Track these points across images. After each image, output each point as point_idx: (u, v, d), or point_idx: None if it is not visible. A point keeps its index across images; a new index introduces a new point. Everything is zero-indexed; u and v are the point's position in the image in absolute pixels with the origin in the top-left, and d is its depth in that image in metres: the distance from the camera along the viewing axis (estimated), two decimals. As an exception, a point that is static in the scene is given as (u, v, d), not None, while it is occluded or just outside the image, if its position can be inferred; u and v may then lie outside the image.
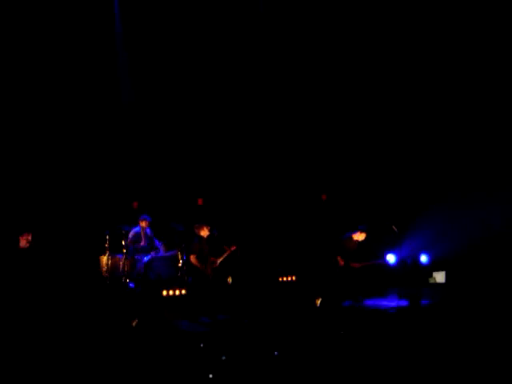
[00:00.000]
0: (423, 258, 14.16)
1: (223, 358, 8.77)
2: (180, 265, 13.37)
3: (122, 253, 13.42)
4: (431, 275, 14.30)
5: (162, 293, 12.31)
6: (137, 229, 13.81)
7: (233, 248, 12.74)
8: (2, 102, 13.82)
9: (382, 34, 15.83)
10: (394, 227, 13.77)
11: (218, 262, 12.65)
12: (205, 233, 12.54)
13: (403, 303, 12.87)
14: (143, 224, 13.82)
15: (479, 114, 15.17)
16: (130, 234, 13.72)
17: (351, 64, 16.11)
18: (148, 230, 13.92)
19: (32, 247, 11.78)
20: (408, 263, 14.02)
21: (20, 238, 11.72)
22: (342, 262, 13.35)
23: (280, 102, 16.32)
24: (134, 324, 10.85)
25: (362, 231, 13.49)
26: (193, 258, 12.35)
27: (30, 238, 11.79)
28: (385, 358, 8.72)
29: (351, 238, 13.53)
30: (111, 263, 13.43)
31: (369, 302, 13.21)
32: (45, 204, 13.99)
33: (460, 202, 14.66)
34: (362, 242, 13.57)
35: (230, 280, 12.86)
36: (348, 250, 13.49)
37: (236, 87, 16.14)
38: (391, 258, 13.67)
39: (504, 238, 14.44)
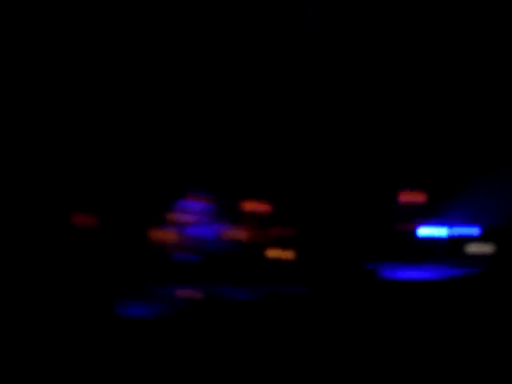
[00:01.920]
0: (473, 230, 14.18)
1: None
2: (232, 238, 13.74)
3: (176, 226, 13.92)
4: (479, 246, 14.36)
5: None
6: (192, 203, 14.19)
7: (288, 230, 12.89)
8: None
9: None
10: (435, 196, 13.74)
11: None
12: (258, 207, 12.76)
13: (450, 273, 12.98)
14: (196, 199, 14.18)
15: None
16: (182, 207, 14.09)
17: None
18: (201, 205, 14.27)
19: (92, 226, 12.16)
20: (455, 233, 14.07)
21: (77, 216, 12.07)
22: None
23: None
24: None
25: (405, 191, 13.56)
26: (240, 232, 12.63)
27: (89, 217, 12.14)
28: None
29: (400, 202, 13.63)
30: (165, 236, 13.89)
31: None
32: (101, 183, 14.46)
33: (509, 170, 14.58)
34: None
35: (287, 254, 13.04)
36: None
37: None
38: (440, 229, 13.72)
39: None
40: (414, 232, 13.60)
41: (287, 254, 12.91)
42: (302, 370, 7.63)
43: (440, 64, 15.81)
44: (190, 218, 14.02)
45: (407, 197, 13.45)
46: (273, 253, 12.72)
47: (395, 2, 15.66)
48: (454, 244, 13.91)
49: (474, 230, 14.10)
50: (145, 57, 14.98)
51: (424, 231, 13.49)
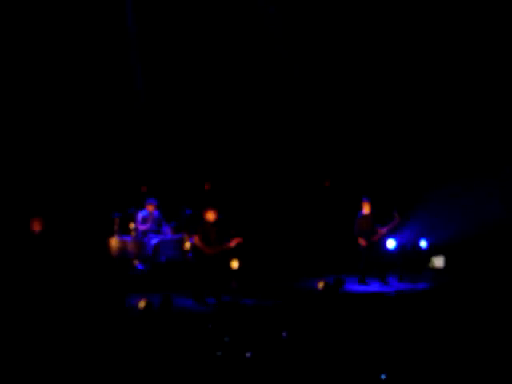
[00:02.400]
0: (423, 243, 14.42)
1: (226, 339, 9.06)
2: (186, 248, 13.76)
3: (131, 235, 13.92)
4: (430, 260, 14.65)
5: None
6: (144, 212, 14.16)
7: (237, 241, 12.90)
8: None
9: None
10: (394, 212, 14.08)
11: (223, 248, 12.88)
12: (211, 216, 12.78)
13: (402, 287, 13.20)
14: (150, 208, 14.16)
15: (480, 100, 15.37)
16: (139, 217, 14.08)
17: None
18: (156, 213, 14.25)
19: (44, 231, 12.06)
20: (408, 248, 14.31)
21: (32, 221, 11.96)
22: (363, 242, 13.70)
23: (285, 89, 16.57)
24: (142, 305, 11.12)
25: (365, 202, 13.74)
26: (196, 240, 12.64)
27: (41, 221, 12.04)
28: (384, 342, 8.98)
29: (363, 215, 13.79)
30: (120, 245, 13.88)
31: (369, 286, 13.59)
32: (54, 188, 14.34)
33: (460, 187, 14.87)
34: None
35: (235, 264, 13.06)
36: (362, 228, 13.79)
37: (243, 77, 16.38)
38: (391, 243, 13.89)
39: (503, 223, 14.68)
40: (381, 244, 13.79)
41: (236, 264, 12.90)
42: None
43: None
44: (146, 227, 13.98)
45: (370, 209, 13.67)
46: (230, 263, 12.72)
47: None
48: (407, 258, 14.14)
49: (424, 244, 14.37)
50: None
51: (390, 244, 13.67)
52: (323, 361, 8.16)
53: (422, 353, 8.40)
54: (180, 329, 10.05)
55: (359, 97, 16.44)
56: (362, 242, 13.59)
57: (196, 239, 12.61)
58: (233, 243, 12.48)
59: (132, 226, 14.05)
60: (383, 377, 7.38)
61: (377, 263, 13.72)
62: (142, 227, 13.97)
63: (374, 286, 13.49)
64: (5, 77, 14.11)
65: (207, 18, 16.05)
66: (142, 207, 14.21)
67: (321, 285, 12.67)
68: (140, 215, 14.10)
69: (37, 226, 12.01)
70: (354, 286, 13.42)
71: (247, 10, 16.19)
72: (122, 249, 13.88)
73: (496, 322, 9.84)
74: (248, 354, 8.23)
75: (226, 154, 16.44)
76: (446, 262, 14.74)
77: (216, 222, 12.74)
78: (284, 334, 9.21)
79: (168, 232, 14.24)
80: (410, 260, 14.21)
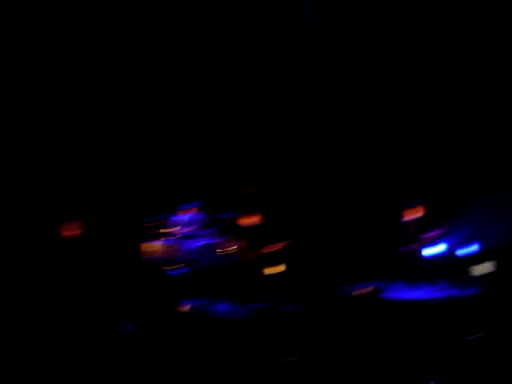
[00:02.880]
0: (473, 247, 13.98)
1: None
2: (229, 252, 13.58)
3: (171, 239, 13.75)
4: (480, 265, 14.16)
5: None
6: (187, 215, 14.00)
7: (281, 244, 12.70)
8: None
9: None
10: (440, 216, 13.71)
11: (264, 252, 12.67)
12: (254, 221, 12.58)
13: (451, 293, 12.77)
14: (193, 211, 14.00)
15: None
16: (181, 221, 13.93)
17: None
18: (198, 217, 14.08)
19: (78, 236, 11.98)
20: (455, 254, 13.88)
21: (64, 226, 11.86)
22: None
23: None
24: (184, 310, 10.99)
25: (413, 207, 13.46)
26: (241, 245, 12.47)
27: (76, 226, 11.97)
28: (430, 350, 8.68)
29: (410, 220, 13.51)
30: (159, 250, 13.71)
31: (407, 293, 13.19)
32: (90, 192, 14.26)
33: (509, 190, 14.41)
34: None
35: (280, 269, 12.82)
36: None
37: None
38: (440, 247, 13.53)
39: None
40: (418, 251, 13.44)
41: (280, 269, 12.66)
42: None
43: (437, 76, 15.70)
44: (182, 231, 13.81)
45: (411, 215, 13.31)
46: (267, 269, 12.47)
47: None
48: (456, 263, 13.73)
49: (474, 249, 13.90)
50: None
51: (428, 251, 13.32)
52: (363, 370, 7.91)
53: (470, 362, 8.10)
54: (220, 334, 9.87)
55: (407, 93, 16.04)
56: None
57: (241, 244, 12.45)
58: (277, 247, 12.34)
59: (171, 229, 13.87)
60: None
61: (425, 268, 13.38)
62: (185, 230, 13.81)
63: (420, 293, 13.10)
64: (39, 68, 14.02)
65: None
66: (182, 210, 14.05)
67: (363, 291, 12.35)
68: (182, 219, 13.95)
69: (70, 231, 11.93)
70: (397, 294, 13.03)
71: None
72: (164, 253, 13.72)
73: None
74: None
75: (267, 157, 16.15)
76: (497, 266, 14.22)
77: (259, 226, 12.59)
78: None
79: (209, 236, 14.05)
80: (459, 265, 13.78)
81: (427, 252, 13.39)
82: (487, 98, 15.41)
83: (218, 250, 13.73)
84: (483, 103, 15.45)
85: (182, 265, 13.65)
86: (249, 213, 13.39)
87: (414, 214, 13.36)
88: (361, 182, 16.16)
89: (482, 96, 15.44)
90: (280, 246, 12.65)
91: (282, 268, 12.74)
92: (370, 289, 12.28)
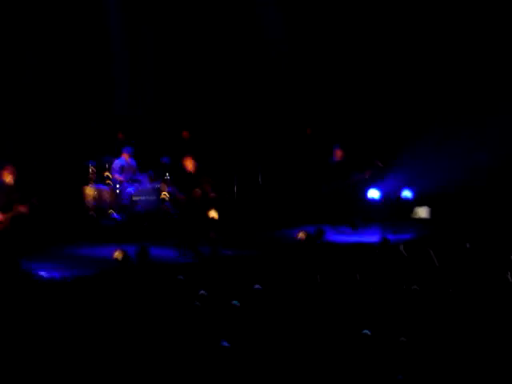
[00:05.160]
0: (407, 193, 14.17)
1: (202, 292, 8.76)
2: (164, 197, 13.46)
3: (106, 184, 13.53)
4: (415, 211, 14.38)
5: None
6: (121, 160, 13.77)
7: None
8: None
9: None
10: (377, 162, 13.85)
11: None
12: (189, 165, 12.47)
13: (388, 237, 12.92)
14: (127, 156, 13.79)
15: (470, 44, 15.07)
16: (115, 165, 13.70)
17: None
18: (132, 162, 13.88)
19: (16, 181, 11.65)
20: (391, 198, 14.06)
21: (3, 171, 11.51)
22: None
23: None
24: (119, 256, 10.79)
25: (337, 149, 13.55)
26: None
27: (13, 172, 11.61)
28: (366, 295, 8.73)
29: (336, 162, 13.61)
30: (96, 194, 13.50)
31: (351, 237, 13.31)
32: (28, 135, 13.91)
33: (447, 135, 14.56)
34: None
35: (214, 214, 12.73)
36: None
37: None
38: (375, 193, 13.66)
39: (490, 173, 14.41)
40: (363, 194, 13.62)
41: (215, 214, 12.58)
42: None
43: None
44: (122, 176, 13.59)
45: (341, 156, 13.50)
46: (208, 212, 12.37)
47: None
48: (392, 208, 13.92)
49: (409, 195, 14.12)
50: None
51: (372, 194, 13.48)
52: (302, 314, 7.91)
53: (404, 305, 8.18)
54: (157, 280, 9.75)
55: (344, 43, 16.01)
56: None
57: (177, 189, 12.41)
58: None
59: (107, 174, 13.63)
60: (366, 332, 7.06)
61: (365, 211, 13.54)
62: (119, 176, 13.60)
63: (356, 237, 13.22)
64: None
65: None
66: (118, 155, 13.82)
67: (302, 235, 12.33)
68: (117, 164, 13.72)
69: (7, 177, 11.61)
70: (335, 237, 13.14)
71: None
72: (98, 198, 13.51)
73: (480, 273, 9.60)
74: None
75: (205, 100, 15.98)
76: (432, 212, 14.46)
77: (197, 174, 12.48)
78: (257, 286, 8.91)
79: (145, 181, 13.87)
80: (393, 210, 13.96)
81: (370, 195, 13.55)
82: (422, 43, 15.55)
83: (155, 195, 13.57)
84: (415, 49, 15.58)
85: (121, 209, 13.48)
86: (185, 157, 13.20)
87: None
88: (302, 125, 16.24)
89: (416, 43, 15.56)
90: (217, 189, 12.59)
91: (217, 213, 12.66)
92: (312, 232, 12.32)
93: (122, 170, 13.69)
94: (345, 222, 13.41)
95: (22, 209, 11.40)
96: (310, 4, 15.92)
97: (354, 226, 13.21)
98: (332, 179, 13.54)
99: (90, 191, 13.57)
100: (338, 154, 13.79)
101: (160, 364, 6.49)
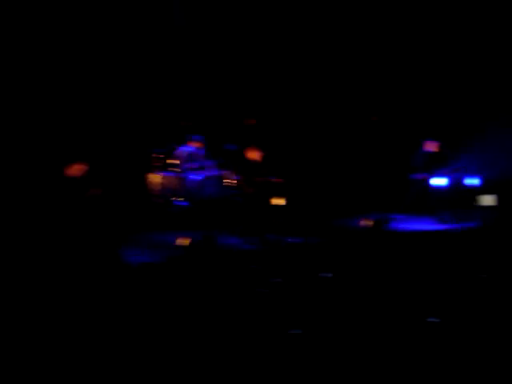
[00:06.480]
0: (475, 181, 14.03)
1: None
2: (231, 185, 13.57)
3: (174, 172, 13.70)
4: (482, 198, 14.21)
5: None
6: (189, 148, 13.91)
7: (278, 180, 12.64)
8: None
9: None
10: (444, 149, 13.81)
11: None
12: (254, 156, 12.50)
13: (454, 225, 12.88)
14: (195, 144, 13.92)
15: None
16: (182, 153, 13.84)
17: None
18: (200, 150, 14.00)
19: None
20: (460, 185, 13.93)
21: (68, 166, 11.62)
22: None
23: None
24: (185, 243, 10.97)
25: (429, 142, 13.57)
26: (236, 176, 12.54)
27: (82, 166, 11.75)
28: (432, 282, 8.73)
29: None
30: (163, 182, 13.69)
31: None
32: (93, 126, 14.11)
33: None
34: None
35: (280, 202, 12.78)
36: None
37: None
38: (443, 180, 13.57)
39: None
40: (426, 182, 13.54)
41: (282, 202, 12.64)
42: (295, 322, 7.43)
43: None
44: (187, 163, 13.72)
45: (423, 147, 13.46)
46: (272, 200, 12.44)
47: None
48: (459, 195, 13.80)
49: (476, 182, 13.97)
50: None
51: (435, 181, 13.42)
52: (369, 301, 7.95)
53: (472, 294, 8.15)
54: (224, 267, 9.89)
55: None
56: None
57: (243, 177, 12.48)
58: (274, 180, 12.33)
59: (175, 162, 13.78)
60: (432, 319, 7.08)
61: (429, 200, 13.47)
62: (186, 164, 13.74)
63: (423, 224, 13.20)
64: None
65: None
66: (185, 143, 13.96)
67: (367, 223, 12.36)
68: (185, 151, 13.86)
69: (76, 171, 11.76)
70: (402, 225, 13.13)
71: None
72: (165, 185, 13.69)
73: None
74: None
75: (271, 88, 16.01)
76: (499, 200, 14.27)
77: (261, 163, 12.50)
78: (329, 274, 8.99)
79: (212, 169, 14.00)
80: (461, 197, 13.84)
81: (434, 182, 13.47)
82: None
83: (221, 182, 13.69)
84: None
85: (186, 197, 13.62)
86: (251, 145, 13.28)
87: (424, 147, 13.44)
88: (368, 112, 16.19)
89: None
90: (282, 178, 12.62)
91: (283, 201, 12.71)
92: (376, 220, 12.33)
93: (190, 157, 13.83)
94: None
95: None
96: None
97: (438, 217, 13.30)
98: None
99: (155, 178, 13.78)
100: (432, 145, 13.73)
101: (232, 351, 6.60)
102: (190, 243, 10.93)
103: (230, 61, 15.71)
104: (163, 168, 13.81)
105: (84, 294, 8.41)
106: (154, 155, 13.79)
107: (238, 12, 15.69)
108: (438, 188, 13.52)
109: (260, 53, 15.87)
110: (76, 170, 11.79)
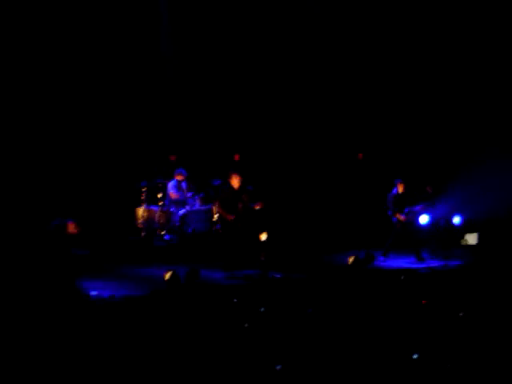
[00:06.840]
0: (456, 220, 14.15)
1: (262, 309, 8.85)
2: (214, 219, 13.61)
3: (158, 205, 13.73)
4: (463, 237, 14.35)
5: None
6: (173, 182, 13.95)
7: (258, 206, 12.63)
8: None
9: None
10: (428, 188, 13.95)
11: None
12: (235, 182, 12.48)
13: (435, 264, 12.96)
14: (179, 178, 13.95)
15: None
16: (168, 187, 13.88)
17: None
18: (184, 184, 14.04)
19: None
20: (441, 224, 14.05)
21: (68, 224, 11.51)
22: (402, 218, 13.51)
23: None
24: (168, 277, 10.93)
25: (400, 183, 13.60)
26: (217, 205, 12.56)
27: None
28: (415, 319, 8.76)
29: (397, 193, 13.63)
30: (147, 215, 13.72)
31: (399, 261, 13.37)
32: (81, 158, 14.13)
33: (496, 164, 14.56)
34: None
35: (264, 236, 12.78)
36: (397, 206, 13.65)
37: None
38: (425, 219, 13.65)
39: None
40: (415, 220, 13.61)
41: (265, 237, 12.62)
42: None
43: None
44: (173, 197, 13.77)
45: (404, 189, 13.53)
46: (259, 235, 12.44)
47: None
48: (441, 234, 13.93)
49: (458, 221, 14.11)
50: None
51: (424, 219, 13.51)
52: (349, 337, 7.97)
53: (454, 331, 8.18)
54: (206, 301, 9.87)
55: (396, 73, 16.18)
56: (401, 217, 13.47)
57: (216, 204, 12.50)
58: (256, 206, 12.31)
59: (160, 195, 13.84)
60: (415, 356, 7.12)
61: (411, 239, 13.52)
62: (176, 194, 13.75)
63: (405, 262, 13.28)
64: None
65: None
66: (171, 177, 14.02)
67: (351, 259, 12.43)
68: (169, 185, 13.89)
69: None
70: (385, 262, 13.22)
71: None
72: (149, 219, 13.73)
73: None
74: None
75: (256, 125, 16.14)
76: (480, 239, 14.41)
77: (241, 190, 12.46)
78: (309, 310, 9.00)
79: (196, 203, 14.06)
80: (442, 236, 13.95)
81: (420, 220, 13.55)
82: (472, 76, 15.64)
83: (205, 216, 13.75)
84: (467, 82, 15.67)
85: (172, 231, 13.65)
86: (232, 173, 13.27)
87: (402, 189, 13.52)
88: (353, 150, 16.33)
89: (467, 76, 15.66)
90: (260, 205, 12.60)
91: (266, 235, 12.69)
92: (362, 256, 12.43)
93: (175, 190, 13.86)
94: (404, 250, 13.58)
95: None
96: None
97: (419, 256, 13.33)
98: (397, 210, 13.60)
99: (141, 212, 13.83)
100: (400, 187, 13.74)
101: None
102: (172, 276, 10.89)
103: (216, 97, 15.86)
104: (148, 201, 13.87)
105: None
106: (139, 188, 13.83)
107: (220, 45, 15.92)
108: (421, 226, 13.61)
109: (245, 88, 16.05)
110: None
